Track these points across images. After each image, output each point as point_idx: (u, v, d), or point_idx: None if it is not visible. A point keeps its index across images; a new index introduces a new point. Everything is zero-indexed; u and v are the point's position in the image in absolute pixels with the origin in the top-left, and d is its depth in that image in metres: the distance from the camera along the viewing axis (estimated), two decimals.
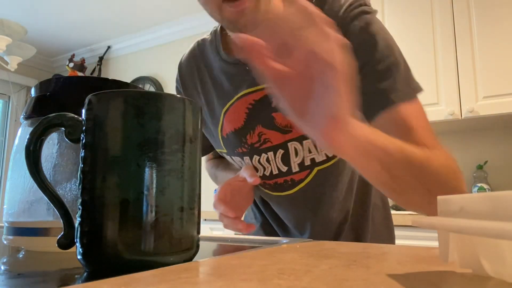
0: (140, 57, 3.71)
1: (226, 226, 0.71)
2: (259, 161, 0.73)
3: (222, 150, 0.78)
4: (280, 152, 0.71)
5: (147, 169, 0.28)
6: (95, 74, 3.87)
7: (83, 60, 3.89)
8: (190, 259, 0.30)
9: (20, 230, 0.40)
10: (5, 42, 2.59)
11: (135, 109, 0.28)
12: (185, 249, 0.29)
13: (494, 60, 1.89)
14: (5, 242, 0.41)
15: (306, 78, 0.36)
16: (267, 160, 0.72)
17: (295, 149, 0.70)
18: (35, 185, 0.30)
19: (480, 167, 2.08)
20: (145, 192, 0.27)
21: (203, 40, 0.80)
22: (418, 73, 0.67)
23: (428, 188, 0.51)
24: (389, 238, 0.84)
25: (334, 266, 0.27)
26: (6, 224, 0.41)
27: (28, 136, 0.30)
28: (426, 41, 2.03)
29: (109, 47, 3.85)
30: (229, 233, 2.26)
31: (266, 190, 0.76)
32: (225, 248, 0.47)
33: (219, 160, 0.92)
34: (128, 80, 3.58)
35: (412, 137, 0.54)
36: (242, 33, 0.56)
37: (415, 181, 0.51)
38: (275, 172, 0.73)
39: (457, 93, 1.94)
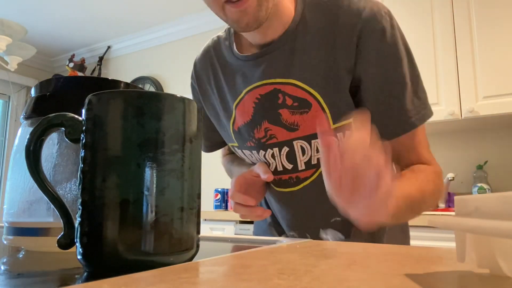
0: (140, 57, 3.71)
1: (243, 216, 0.71)
2: (264, 156, 0.74)
3: (234, 144, 0.80)
4: (285, 149, 0.71)
5: (147, 169, 0.28)
6: (95, 74, 3.87)
7: (83, 60, 3.89)
8: (190, 259, 0.30)
9: (20, 230, 0.40)
10: (5, 42, 2.59)
11: (135, 109, 0.28)
12: (185, 249, 0.29)
13: (494, 60, 1.89)
14: (5, 242, 0.41)
15: (359, 179, 0.43)
16: (272, 155, 0.73)
17: (302, 148, 0.70)
18: (35, 185, 0.30)
19: (480, 167, 2.08)
20: (145, 192, 0.27)
21: (218, 37, 0.82)
22: None
23: (426, 204, 0.64)
24: (404, 243, 0.83)
25: (334, 266, 0.27)
26: (6, 224, 0.41)
27: (28, 136, 0.30)
28: (426, 41, 2.03)
29: (109, 47, 3.85)
30: (229, 233, 2.26)
31: (272, 185, 0.77)
32: (225, 248, 0.47)
33: (234, 156, 0.93)
34: (128, 80, 3.58)
35: (416, 156, 0.67)
36: (245, 32, 0.67)
37: (423, 207, 0.63)
38: (280, 168, 0.73)
39: (457, 93, 1.94)
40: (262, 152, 0.74)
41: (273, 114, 0.70)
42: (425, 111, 0.66)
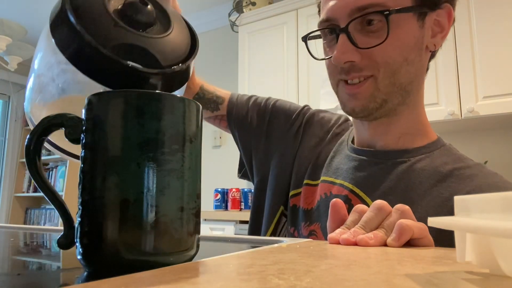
0: None
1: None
2: None
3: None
4: None
5: (147, 169, 0.28)
6: None
7: None
8: (190, 259, 0.30)
9: None
10: (5, 42, 2.59)
11: (135, 109, 0.28)
12: (185, 249, 0.29)
13: (494, 60, 1.89)
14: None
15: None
16: None
17: None
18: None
19: None
20: (145, 192, 0.27)
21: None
22: None
23: None
24: None
25: (334, 266, 0.27)
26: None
27: (28, 136, 0.30)
28: None
29: None
30: (229, 233, 2.26)
31: None
32: (225, 248, 0.47)
33: None
34: None
35: None
36: (350, 116, 0.63)
37: None
38: None
39: (457, 93, 1.94)
40: None
41: (324, 220, 0.61)
42: None
